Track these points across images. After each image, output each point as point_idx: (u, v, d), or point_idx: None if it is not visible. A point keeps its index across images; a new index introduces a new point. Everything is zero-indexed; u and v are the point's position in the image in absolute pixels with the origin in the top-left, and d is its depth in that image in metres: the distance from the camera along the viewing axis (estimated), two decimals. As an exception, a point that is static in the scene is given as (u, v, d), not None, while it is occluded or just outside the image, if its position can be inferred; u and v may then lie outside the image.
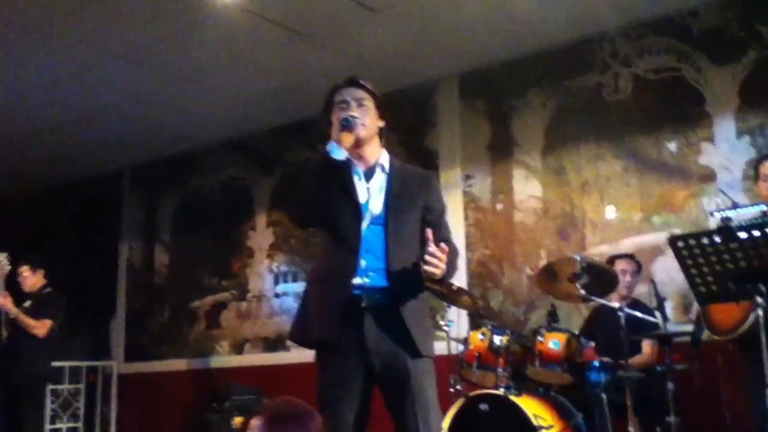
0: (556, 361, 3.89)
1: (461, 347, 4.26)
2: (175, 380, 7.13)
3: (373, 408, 2.58)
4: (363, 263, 2.53)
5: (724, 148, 4.74)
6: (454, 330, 4.67)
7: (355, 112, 2.56)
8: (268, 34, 5.21)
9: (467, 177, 5.75)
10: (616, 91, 5.21)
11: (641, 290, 4.52)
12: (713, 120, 4.82)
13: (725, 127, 4.76)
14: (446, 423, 3.69)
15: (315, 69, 5.54)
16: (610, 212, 5.10)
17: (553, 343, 3.92)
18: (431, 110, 6.02)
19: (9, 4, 4.10)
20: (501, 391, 3.77)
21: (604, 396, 3.76)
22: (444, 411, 3.37)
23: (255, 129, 6.96)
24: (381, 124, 2.69)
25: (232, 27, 5.07)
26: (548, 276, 4.17)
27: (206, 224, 7.34)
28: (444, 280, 2.62)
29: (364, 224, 2.57)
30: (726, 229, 2.72)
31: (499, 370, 3.91)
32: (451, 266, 2.56)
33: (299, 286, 6.43)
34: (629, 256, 4.50)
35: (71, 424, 6.91)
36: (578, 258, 3.98)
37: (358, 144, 2.59)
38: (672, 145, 4.95)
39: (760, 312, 2.77)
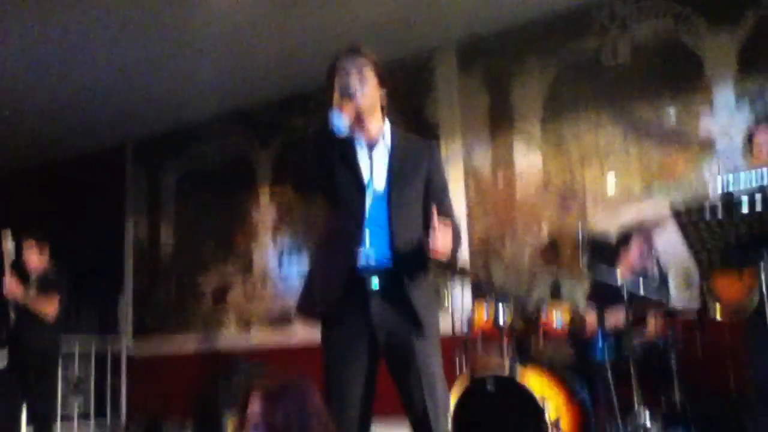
0: (560, 336, 3.89)
1: (465, 324, 4.24)
2: (183, 356, 7.15)
3: (379, 383, 2.56)
4: (368, 238, 2.50)
5: (723, 115, 4.68)
6: (459, 303, 4.65)
7: (355, 80, 2.52)
8: (266, 2, 5.14)
9: (468, 148, 5.69)
10: (615, 56, 5.13)
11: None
12: (712, 85, 4.75)
13: (724, 92, 4.69)
14: (452, 403, 3.69)
15: (314, 37, 5.46)
16: (611, 181, 5.06)
17: (557, 318, 3.92)
18: (429, 80, 5.94)
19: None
20: (506, 372, 3.75)
21: (608, 370, 3.76)
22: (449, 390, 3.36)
23: (256, 100, 6.86)
24: (382, 92, 2.63)
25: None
26: (550, 249, 4.14)
27: (209, 198, 7.29)
28: (451, 262, 2.60)
29: (368, 199, 2.53)
30: (728, 200, 2.69)
31: (504, 345, 3.89)
32: (454, 245, 2.53)
33: (303, 262, 6.42)
34: (645, 231, 4.38)
35: (82, 402, 6.95)
36: (580, 232, 3.94)
37: (358, 114, 2.54)
38: (671, 111, 4.89)
39: (763, 277, 2.76)
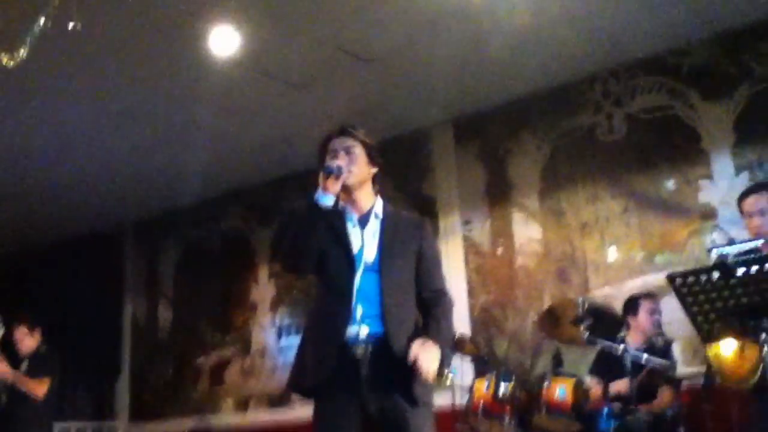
0: (563, 409, 3.83)
1: (465, 397, 4.19)
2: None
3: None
4: (359, 311, 2.53)
5: (723, 185, 4.73)
6: (459, 379, 4.60)
7: (342, 160, 2.59)
8: (264, 87, 5.29)
9: (466, 222, 5.75)
10: (611, 131, 5.23)
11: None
12: (710, 157, 4.82)
13: (723, 163, 4.76)
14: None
15: (311, 119, 5.58)
16: (612, 253, 5.07)
17: (560, 389, 3.87)
18: (427, 156, 6.06)
19: (4, 68, 4.17)
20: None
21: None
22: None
23: (253, 180, 7.00)
24: (373, 170, 2.70)
25: (229, 81, 5.14)
26: (551, 320, 4.12)
27: (208, 277, 7.34)
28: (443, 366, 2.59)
29: (358, 273, 2.56)
30: (723, 265, 2.68)
31: (505, 419, 3.84)
32: (446, 332, 2.61)
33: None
34: (652, 296, 4.36)
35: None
36: (580, 300, 3.94)
37: (347, 190, 2.62)
38: (670, 183, 4.94)
39: (766, 348, 2.72)
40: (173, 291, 7.65)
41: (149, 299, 7.82)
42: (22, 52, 4.03)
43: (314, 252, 2.57)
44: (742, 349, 3.17)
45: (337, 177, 2.52)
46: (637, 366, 3.78)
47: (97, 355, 7.72)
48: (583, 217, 5.23)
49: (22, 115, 5.56)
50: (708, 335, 2.92)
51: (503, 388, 3.92)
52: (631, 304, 4.27)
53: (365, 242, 2.62)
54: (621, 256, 5.03)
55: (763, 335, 2.71)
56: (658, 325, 4.26)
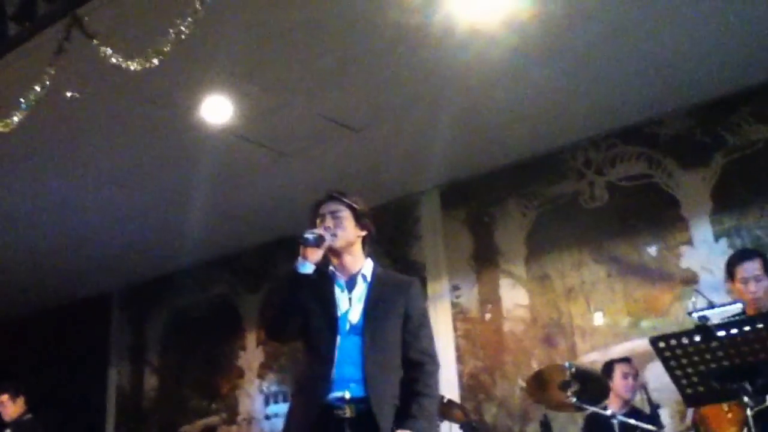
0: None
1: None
2: None
3: None
4: (343, 374, 2.57)
5: (703, 251, 4.83)
6: (447, 442, 4.59)
7: (329, 223, 2.69)
8: (254, 155, 5.38)
9: (454, 288, 5.79)
10: (593, 199, 5.36)
11: (635, 397, 4.46)
12: (690, 223, 4.93)
13: (702, 229, 4.87)
14: None
15: (300, 187, 5.66)
16: (598, 318, 5.12)
17: (548, 455, 3.85)
18: (415, 223, 6.15)
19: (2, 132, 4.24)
20: None
21: None
22: None
23: (242, 246, 7.04)
24: (362, 233, 2.78)
25: (220, 149, 5.23)
26: (538, 384, 4.13)
27: (195, 344, 7.30)
28: None
29: (339, 337, 2.61)
30: (704, 328, 2.74)
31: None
32: (428, 411, 2.61)
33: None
34: (627, 360, 4.44)
35: None
36: (567, 365, 3.96)
37: (336, 254, 2.72)
38: (652, 249, 5.04)
39: (749, 412, 2.75)
40: (159, 358, 7.59)
41: (134, 366, 7.74)
42: (15, 119, 4.11)
43: (296, 320, 2.64)
44: (726, 412, 3.20)
45: (317, 245, 2.61)
46: (625, 429, 3.79)
47: (81, 423, 7.59)
48: (569, 283, 5.30)
49: (13, 180, 5.59)
50: (692, 399, 2.96)
51: (492, 454, 3.91)
52: (606, 369, 4.31)
53: (352, 305, 2.68)
54: (607, 321, 5.08)
55: (745, 398, 2.75)
56: (633, 389, 4.29)
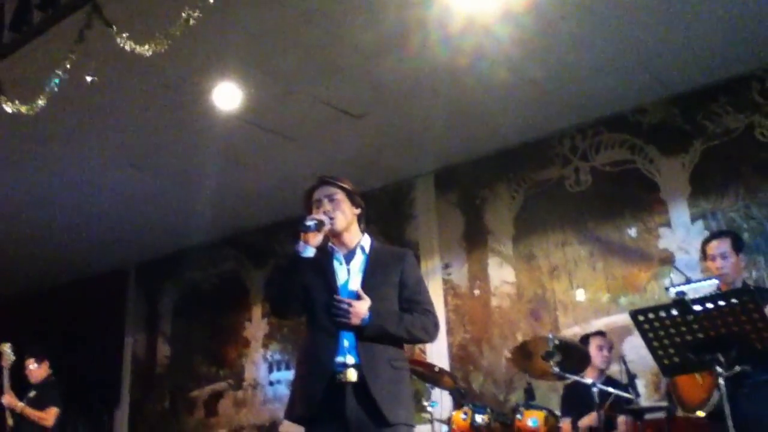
0: (535, 437, 3.78)
1: (444, 428, 4.16)
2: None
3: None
4: (345, 343, 2.53)
5: (681, 232, 4.79)
6: (438, 410, 4.56)
7: (327, 208, 2.66)
8: (261, 140, 5.34)
9: (446, 265, 5.76)
10: (578, 183, 5.31)
11: (613, 368, 4.45)
12: (668, 206, 4.89)
13: (680, 212, 4.83)
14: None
15: (304, 170, 5.59)
16: (580, 294, 5.09)
17: (532, 421, 3.83)
18: (410, 204, 6.10)
19: (24, 116, 4.21)
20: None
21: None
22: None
23: (249, 226, 7.00)
24: (357, 211, 2.76)
25: (229, 133, 5.19)
26: (523, 355, 4.11)
27: (204, 316, 7.28)
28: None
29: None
30: (681, 302, 2.71)
31: (481, 448, 3.80)
32: (424, 331, 2.63)
33: (292, 374, 6.31)
34: (602, 333, 4.45)
35: None
36: (550, 337, 3.94)
37: (336, 234, 2.69)
38: (632, 231, 5.00)
39: (721, 381, 2.73)
40: (171, 328, 7.58)
41: (149, 336, 7.73)
42: (39, 102, 4.06)
43: (298, 299, 2.62)
44: (698, 380, 3.18)
45: (318, 230, 2.59)
46: (602, 397, 3.77)
47: (98, 388, 7.62)
48: (553, 261, 5.26)
49: (36, 162, 5.57)
50: (668, 369, 2.94)
51: (479, 419, 3.89)
52: (582, 342, 4.30)
53: (351, 275, 2.66)
54: (588, 297, 5.05)
55: (718, 368, 2.73)
56: (608, 360, 4.28)
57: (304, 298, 2.62)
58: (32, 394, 5.35)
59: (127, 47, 3.70)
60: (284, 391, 6.33)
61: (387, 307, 2.61)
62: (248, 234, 7.11)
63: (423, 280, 2.82)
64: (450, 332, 5.54)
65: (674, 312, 2.73)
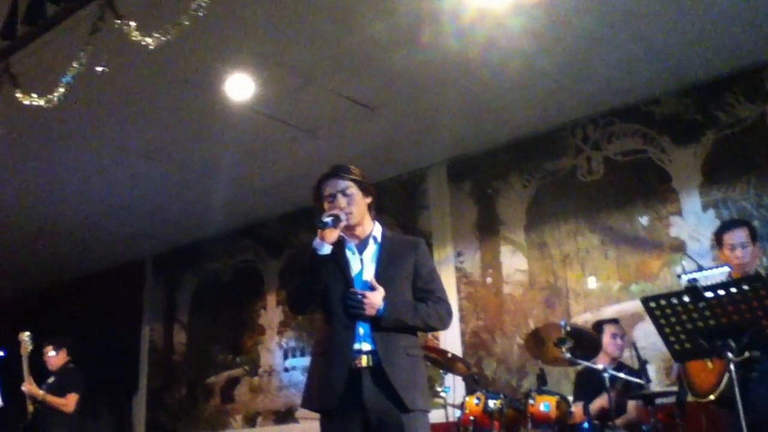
0: (547, 423, 3.81)
1: (458, 413, 4.20)
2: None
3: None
4: (361, 331, 2.55)
5: (692, 221, 4.79)
6: (451, 396, 4.59)
7: (341, 203, 2.64)
8: (276, 132, 5.36)
9: (458, 254, 5.78)
10: (590, 173, 5.31)
11: (624, 355, 4.46)
12: (680, 195, 4.88)
13: (691, 201, 4.82)
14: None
15: (318, 161, 5.50)
16: (591, 282, 5.10)
17: (544, 405, 3.85)
18: (423, 194, 6.12)
19: (40, 110, 4.23)
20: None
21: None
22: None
23: (264, 216, 7.05)
24: (368, 200, 2.74)
25: (244, 125, 5.21)
26: (536, 341, 4.14)
27: (221, 305, 7.35)
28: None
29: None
30: (693, 289, 2.71)
31: (494, 432, 3.83)
32: (438, 320, 2.65)
33: (306, 360, 6.37)
34: (615, 321, 4.45)
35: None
36: (563, 323, 3.96)
37: (349, 227, 2.67)
38: (644, 220, 5.00)
39: (732, 367, 2.74)
40: (188, 317, 7.66)
41: (166, 324, 7.81)
42: (56, 95, 4.07)
43: (314, 296, 2.62)
44: (708, 366, 3.19)
45: (335, 227, 2.56)
46: (614, 382, 3.79)
47: (117, 376, 7.70)
48: (565, 250, 5.27)
49: (53, 156, 5.62)
50: (679, 355, 2.95)
51: (492, 404, 3.92)
52: (596, 329, 4.31)
53: (364, 265, 2.65)
54: (600, 285, 5.06)
55: (729, 354, 2.73)
56: (621, 348, 4.29)
57: (322, 290, 2.62)
58: (51, 380, 5.40)
59: (138, 38, 3.67)
60: (299, 377, 6.39)
61: (402, 298, 2.61)
62: (264, 225, 7.16)
63: (435, 268, 2.83)
64: (463, 319, 5.58)
65: (686, 299, 2.73)
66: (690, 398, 3.53)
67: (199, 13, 3.51)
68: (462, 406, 4.11)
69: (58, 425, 5.24)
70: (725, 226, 3.62)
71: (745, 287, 2.66)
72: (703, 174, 4.81)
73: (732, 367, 2.71)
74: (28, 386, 5.20)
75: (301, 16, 4.05)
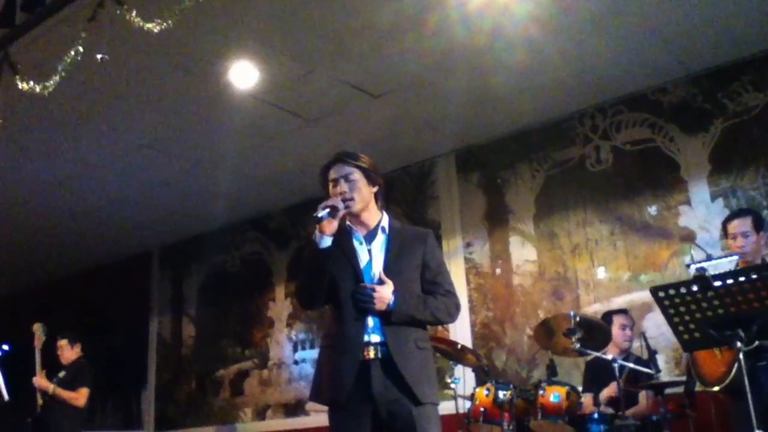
0: (558, 414, 3.86)
1: (468, 404, 4.24)
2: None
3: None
4: (371, 323, 2.58)
5: (701, 210, 4.81)
6: (461, 387, 4.64)
7: (343, 188, 2.64)
8: (281, 121, 5.36)
9: (467, 245, 5.82)
10: (598, 162, 5.33)
11: (634, 345, 4.50)
12: (688, 185, 4.90)
13: (700, 190, 4.84)
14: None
15: (324, 151, 5.52)
16: (601, 272, 5.14)
17: (554, 396, 3.90)
18: (432, 185, 6.14)
19: (45, 98, 4.23)
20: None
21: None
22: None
23: (271, 207, 7.09)
24: (374, 189, 2.73)
25: (249, 114, 5.22)
26: (545, 332, 4.18)
27: (229, 297, 7.40)
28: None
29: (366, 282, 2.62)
30: (702, 278, 2.75)
31: (504, 423, 3.88)
32: (447, 313, 2.67)
33: (316, 353, 6.40)
34: (624, 311, 4.49)
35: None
36: (572, 314, 4.00)
37: (353, 214, 2.68)
38: (653, 209, 5.02)
39: (741, 356, 2.77)
40: (196, 310, 7.71)
41: (174, 318, 7.87)
42: (53, 82, 4.03)
43: (322, 291, 2.62)
44: (717, 355, 3.22)
45: (333, 217, 2.55)
46: (623, 372, 3.83)
47: (125, 369, 7.77)
48: (575, 240, 5.30)
49: (55, 147, 5.62)
50: (689, 344, 2.98)
51: (502, 395, 3.97)
52: (605, 319, 4.34)
53: (373, 256, 2.66)
54: (609, 276, 5.09)
55: (738, 343, 2.77)
56: (630, 339, 4.33)
57: (329, 286, 2.64)
58: (62, 374, 5.45)
59: (140, 24, 3.62)
60: (309, 369, 6.45)
61: (411, 292, 2.63)
62: (270, 216, 7.20)
63: (444, 260, 2.86)
64: (472, 310, 5.62)
65: (695, 288, 2.76)
66: (699, 388, 3.57)
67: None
68: (472, 398, 4.16)
69: (67, 419, 5.30)
70: (730, 216, 3.69)
71: (754, 276, 2.70)
72: (711, 163, 4.83)
73: (741, 356, 2.75)
74: (39, 380, 5.25)
75: (305, 2, 4.02)
